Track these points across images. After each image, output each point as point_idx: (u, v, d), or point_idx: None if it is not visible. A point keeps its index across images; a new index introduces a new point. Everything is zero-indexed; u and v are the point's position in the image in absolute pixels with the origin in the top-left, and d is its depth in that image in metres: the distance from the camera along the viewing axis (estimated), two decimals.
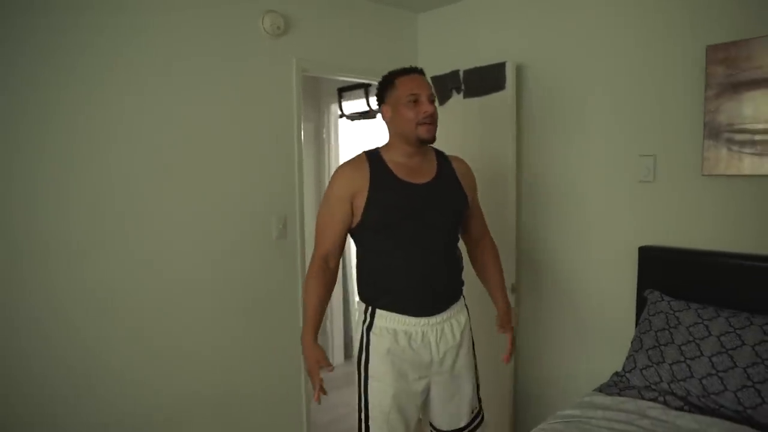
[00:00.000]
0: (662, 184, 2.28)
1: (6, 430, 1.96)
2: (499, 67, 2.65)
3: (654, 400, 1.89)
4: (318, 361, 1.77)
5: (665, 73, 2.24)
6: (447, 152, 2.01)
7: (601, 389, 2.06)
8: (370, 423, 1.79)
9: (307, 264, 1.93)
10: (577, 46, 2.54)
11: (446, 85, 2.92)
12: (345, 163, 1.87)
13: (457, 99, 2.89)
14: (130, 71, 2.20)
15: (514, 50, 2.74)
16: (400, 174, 1.79)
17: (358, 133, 4.58)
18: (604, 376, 2.21)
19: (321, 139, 4.15)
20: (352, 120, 4.29)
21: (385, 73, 1.85)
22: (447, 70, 2.92)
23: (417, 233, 1.78)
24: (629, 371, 2.08)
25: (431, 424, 1.96)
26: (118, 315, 2.21)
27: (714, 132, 2.08)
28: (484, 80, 2.72)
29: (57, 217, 2.06)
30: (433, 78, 2.98)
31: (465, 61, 2.87)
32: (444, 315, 1.84)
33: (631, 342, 2.17)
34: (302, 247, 2.76)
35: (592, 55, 2.49)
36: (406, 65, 1.86)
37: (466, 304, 1.99)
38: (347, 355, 4.42)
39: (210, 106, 2.43)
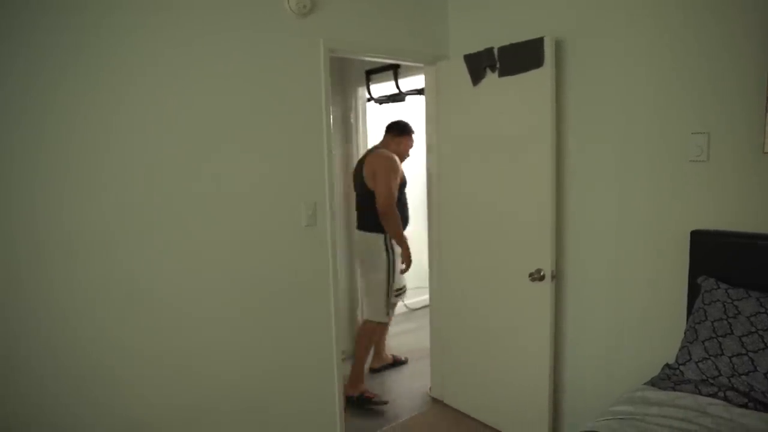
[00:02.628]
0: (717, 163, 2.12)
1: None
2: (537, 43, 2.50)
3: (713, 395, 1.76)
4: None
5: (724, 41, 2.06)
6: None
7: (653, 383, 1.93)
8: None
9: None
10: (620, 17, 2.37)
11: (480, 64, 2.78)
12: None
13: (491, 78, 2.75)
14: (151, 52, 2.11)
15: (553, 25, 2.58)
16: None
17: (387, 117, 4.46)
18: (653, 368, 2.09)
19: (348, 124, 4.05)
20: (381, 104, 4.18)
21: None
22: (479, 48, 2.78)
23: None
24: (683, 364, 1.95)
25: None
26: (143, 307, 2.16)
27: None
28: (521, 57, 2.58)
29: (80, 208, 2.00)
30: (466, 57, 2.86)
31: (499, 38, 2.72)
32: None
33: (685, 332, 2.03)
34: (333, 234, 2.67)
35: (636, 26, 2.32)
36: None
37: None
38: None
39: (234, 89, 2.33)
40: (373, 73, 3.84)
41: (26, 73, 1.86)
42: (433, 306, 3.38)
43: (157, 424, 2.21)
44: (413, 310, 5.15)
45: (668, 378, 1.95)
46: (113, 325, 2.09)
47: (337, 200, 3.57)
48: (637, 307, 2.42)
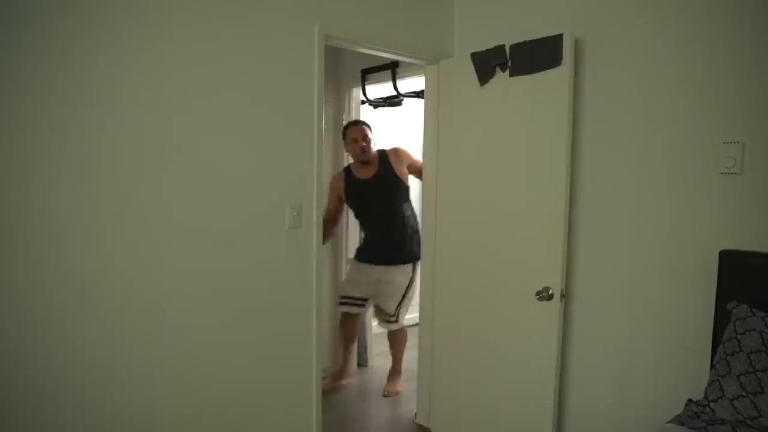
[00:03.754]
0: (752, 175, 1.91)
1: None
2: (555, 41, 2.29)
3: None
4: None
5: (760, 41, 1.87)
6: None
7: (681, 421, 1.68)
8: None
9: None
10: (645, 14, 2.18)
11: (489, 63, 2.56)
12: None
13: (501, 78, 2.53)
14: (129, 38, 1.88)
15: (571, 21, 2.37)
16: (358, 176, 3.48)
17: (382, 122, 4.24)
18: (669, 400, 1.85)
19: (341, 126, 3.80)
20: (376, 107, 3.95)
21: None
22: (485, 47, 2.56)
23: (371, 208, 3.54)
24: (714, 401, 1.70)
25: None
26: (115, 307, 1.92)
27: None
28: (536, 55, 2.36)
29: (49, 203, 1.78)
30: (474, 55, 2.64)
31: (511, 34, 2.51)
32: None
33: (714, 365, 1.79)
34: (318, 238, 2.42)
35: (662, 23, 2.13)
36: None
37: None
38: (359, 362, 4.07)
39: (217, 76, 2.09)
40: (369, 73, 3.61)
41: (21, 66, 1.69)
42: (423, 324, 3.10)
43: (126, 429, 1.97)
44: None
45: (697, 416, 1.70)
46: (83, 327, 1.86)
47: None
48: (653, 333, 2.18)
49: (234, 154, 2.16)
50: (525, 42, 2.40)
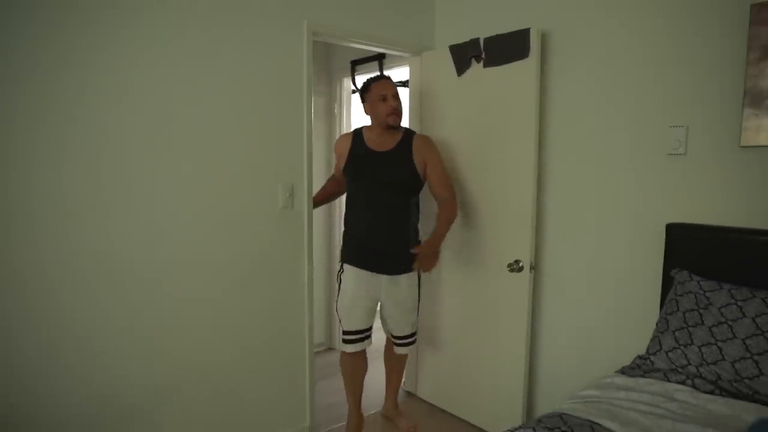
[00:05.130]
0: (695, 156, 2.13)
1: None
2: (523, 34, 2.50)
3: (681, 383, 1.76)
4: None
5: (702, 37, 2.08)
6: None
7: (624, 371, 1.92)
8: None
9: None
10: (602, 12, 2.39)
11: (465, 54, 2.78)
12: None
13: (476, 69, 2.75)
14: (126, 32, 2.08)
15: (539, 16, 2.59)
16: (370, 144, 2.65)
17: None
18: (627, 359, 2.08)
19: (332, 115, 4.02)
20: None
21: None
22: (464, 39, 2.78)
23: (371, 188, 2.61)
24: (654, 354, 1.94)
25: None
26: (114, 284, 2.12)
27: (756, 99, 1.92)
28: (507, 48, 2.58)
29: (51, 183, 1.96)
30: (452, 47, 2.85)
31: (486, 28, 2.73)
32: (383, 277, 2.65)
33: (656, 323, 2.03)
34: (309, 217, 2.64)
35: (617, 20, 2.34)
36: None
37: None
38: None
39: (213, 68, 2.31)
40: (358, 64, 3.82)
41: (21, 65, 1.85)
42: None
43: (125, 399, 2.18)
44: None
45: (638, 367, 1.94)
46: (84, 298, 2.05)
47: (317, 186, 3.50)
48: (613, 299, 2.42)
49: (230, 141, 2.38)
50: (497, 36, 2.61)
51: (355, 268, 2.64)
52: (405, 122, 3.28)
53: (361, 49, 3.15)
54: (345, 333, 2.69)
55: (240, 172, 2.42)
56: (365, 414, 3.02)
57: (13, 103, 1.85)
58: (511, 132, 2.61)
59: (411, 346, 2.81)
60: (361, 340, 2.70)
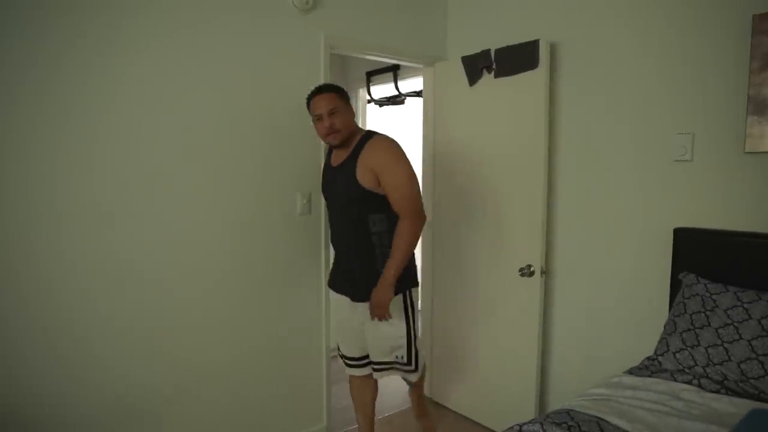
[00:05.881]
0: (700, 163, 2.19)
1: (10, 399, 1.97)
2: (532, 45, 2.58)
3: (688, 383, 1.81)
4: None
5: (706, 46, 2.14)
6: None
7: (631, 372, 1.97)
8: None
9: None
10: (612, 21, 2.46)
11: (477, 65, 2.86)
12: None
13: (487, 79, 2.83)
14: (153, 42, 2.19)
15: (548, 28, 2.67)
16: (332, 160, 2.35)
17: (387, 119, 4.57)
18: (637, 361, 2.13)
19: None
20: (381, 106, 4.26)
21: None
22: (478, 50, 2.86)
23: (333, 206, 2.37)
24: (661, 355, 1.99)
25: None
26: (136, 285, 2.21)
27: (759, 107, 1.98)
28: (517, 59, 2.66)
29: (78, 188, 2.06)
30: (464, 58, 2.94)
31: (497, 39, 2.81)
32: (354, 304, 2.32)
33: (664, 325, 2.08)
34: (326, 222, 2.73)
35: (627, 29, 2.40)
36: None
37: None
38: None
39: (235, 79, 2.42)
40: (373, 75, 3.93)
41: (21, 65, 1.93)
42: (423, 306, 3.41)
43: (139, 403, 2.25)
44: None
45: (646, 368, 1.99)
46: (100, 300, 2.13)
47: None
48: (622, 302, 2.47)
49: (250, 149, 2.48)
50: (507, 47, 2.69)
51: (332, 293, 2.46)
52: (419, 132, 3.39)
53: (377, 61, 3.25)
54: (342, 357, 2.52)
55: (260, 179, 2.52)
56: (378, 417, 3.08)
57: (10, 103, 1.90)
58: (521, 140, 2.68)
59: (387, 372, 2.38)
60: (360, 366, 2.46)
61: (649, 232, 2.36)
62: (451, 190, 3.14)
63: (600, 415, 1.60)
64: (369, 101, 4.17)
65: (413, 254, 2.29)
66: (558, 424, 1.54)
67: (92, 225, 2.09)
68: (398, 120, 4.79)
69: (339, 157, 2.28)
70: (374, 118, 4.35)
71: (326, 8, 2.68)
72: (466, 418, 3.09)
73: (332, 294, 2.47)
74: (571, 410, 1.65)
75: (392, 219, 2.19)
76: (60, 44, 1.97)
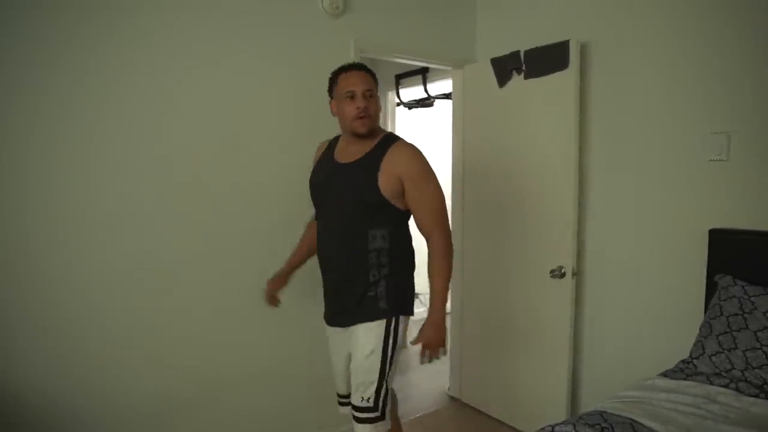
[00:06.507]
0: (737, 162, 2.14)
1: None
2: (562, 46, 2.57)
3: (725, 386, 1.77)
4: (272, 282, 2.21)
5: (742, 45, 2.10)
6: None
7: (666, 374, 1.95)
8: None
9: None
10: (641, 22, 2.43)
11: (506, 66, 2.86)
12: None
13: (517, 80, 2.83)
14: (186, 47, 2.25)
15: (578, 28, 2.65)
16: (337, 156, 1.99)
17: (416, 122, 4.59)
18: (671, 365, 2.10)
19: None
20: (410, 108, 4.29)
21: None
22: (505, 52, 2.86)
23: (327, 213, 1.97)
24: (696, 357, 1.96)
25: None
26: (156, 289, 2.24)
27: None
28: (546, 60, 2.65)
29: (78, 190, 2.07)
30: (493, 60, 2.94)
31: (526, 40, 2.80)
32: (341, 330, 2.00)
33: (700, 328, 2.04)
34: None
35: (659, 27, 2.37)
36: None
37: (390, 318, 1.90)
38: None
39: (264, 83, 2.46)
40: (402, 78, 3.96)
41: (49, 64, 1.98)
42: (453, 307, 3.41)
43: (153, 412, 2.26)
44: None
45: (681, 371, 1.96)
46: (100, 302, 2.14)
47: None
48: (655, 305, 2.43)
49: (277, 154, 2.52)
50: (537, 48, 2.69)
51: (325, 324, 2.09)
52: (448, 134, 3.40)
53: (406, 64, 3.27)
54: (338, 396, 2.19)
55: (283, 183, 2.53)
56: (410, 417, 3.10)
57: (9, 103, 1.91)
58: (551, 140, 2.67)
59: (369, 425, 1.92)
60: (347, 404, 2.08)
61: (683, 233, 2.32)
62: (481, 191, 3.14)
63: (633, 417, 1.59)
64: (398, 104, 4.20)
65: (413, 276, 2.00)
66: (591, 426, 1.53)
67: (95, 228, 2.10)
68: (427, 122, 4.81)
69: (350, 153, 1.93)
70: (403, 121, 4.37)
71: (356, 12, 2.71)
72: (497, 420, 3.07)
73: (325, 327, 2.10)
74: (603, 412, 1.63)
75: (394, 236, 1.89)
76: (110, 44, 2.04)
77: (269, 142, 2.50)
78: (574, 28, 2.66)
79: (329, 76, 1.99)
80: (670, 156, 2.35)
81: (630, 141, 2.50)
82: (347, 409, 2.06)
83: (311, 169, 2.08)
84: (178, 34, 2.22)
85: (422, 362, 1.92)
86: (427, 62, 3.16)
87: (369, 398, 1.89)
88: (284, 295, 2.27)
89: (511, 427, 2.98)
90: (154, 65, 2.18)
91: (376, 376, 1.89)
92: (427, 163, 1.91)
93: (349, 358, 1.98)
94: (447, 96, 3.90)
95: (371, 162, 1.86)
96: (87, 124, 2.06)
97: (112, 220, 2.13)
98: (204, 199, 2.34)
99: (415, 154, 1.89)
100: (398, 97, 4.12)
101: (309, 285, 2.33)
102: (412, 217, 1.94)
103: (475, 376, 3.25)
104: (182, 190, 2.29)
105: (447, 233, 1.92)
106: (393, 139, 1.94)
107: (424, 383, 3.69)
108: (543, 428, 1.58)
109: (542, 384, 2.78)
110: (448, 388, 3.49)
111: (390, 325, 1.90)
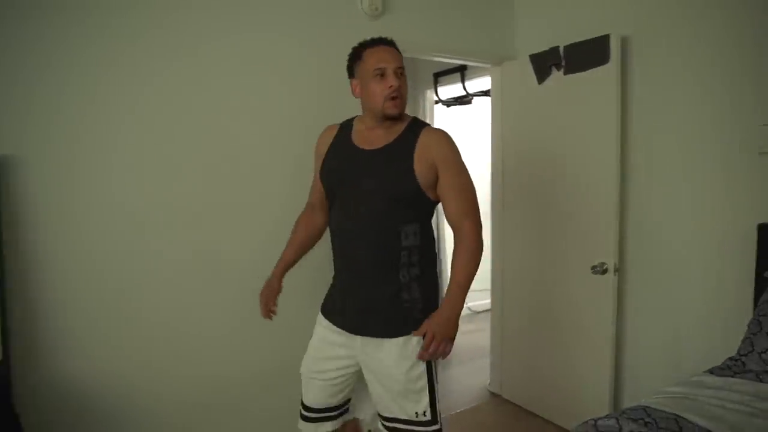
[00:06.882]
0: None
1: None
2: (603, 41, 2.55)
3: None
4: (266, 293, 1.97)
5: None
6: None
7: (712, 371, 1.92)
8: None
9: None
10: (685, 13, 2.39)
11: (545, 62, 2.85)
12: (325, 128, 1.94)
13: (556, 76, 2.82)
14: (225, 49, 2.32)
15: (618, 21, 2.62)
16: (357, 141, 1.78)
17: (455, 119, 4.60)
18: (716, 362, 2.06)
19: None
20: (448, 106, 4.31)
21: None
22: (543, 48, 2.85)
23: (349, 204, 1.73)
24: (745, 355, 1.92)
25: None
26: (181, 288, 2.29)
27: None
28: (586, 55, 2.63)
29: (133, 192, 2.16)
30: (532, 56, 2.93)
31: (565, 35, 2.79)
32: (363, 341, 1.75)
33: (748, 325, 2.00)
34: None
35: (702, 20, 2.33)
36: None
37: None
38: None
39: (305, 85, 2.52)
40: (440, 76, 3.98)
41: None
42: (494, 303, 3.42)
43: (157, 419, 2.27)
44: (476, 313, 5.18)
45: (728, 368, 1.92)
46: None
47: None
48: (701, 301, 2.39)
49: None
50: (576, 43, 2.67)
51: (324, 321, 1.86)
52: (487, 131, 3.40)
53: (444, 62, 3.29)
54: (301, 404, 1.92)
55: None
56: (450, 413, 3.13)
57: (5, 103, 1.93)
58: (592, 135, 2.65)
59: None
60: (319, 420, 1.88)
61: (730, 228, 2.27)
62: (521, 187, 3.13)
63: (678, 413, 1.58)
64: (436, 102, 4.23)
65: (438, 277, 1.83)
66: (634, 420, 1.54)
67: (96, 229, 2.12)
68: (465, 119, 4.82)
69: (373, 138, 1.74)
70: (441, 119, 4.39)
71: (395, 13, 2.76)
72: (538, 416, 3.07)
73: (318, 325, 1.89)
74: (647, 407, 1.63)
75: (425, 232, 1.74)
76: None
77: (307, 144, 2.54)
78: (613, 21, 2.63)
79: (349, 52, 1.81)
80: (717, 148, 2.31)
81: (673, 134, 2.46)
82: (314, 427, 1.88)
83: (317, 155, 1.89)
84: (220, 37, 2.31)
85: (422, 357, 1.68)
86: (465, 60, 3.17)
87: (425, 412, 1.72)
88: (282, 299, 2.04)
89: (552, 423, 2.97)
90: (201, 72, 2.28)
91: (426, 389, 1.72)
92: (457, 147, 1.75)
93: (351, 368, 1.80)
94: (485, 93, 3.91)
95: (404, 148, 1.69)
96: (108, 125, 2.11)
97: (112, 221, 2.14)
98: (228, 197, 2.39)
99: (449, 138, 1.74)
100: (436, 94, 4.15)
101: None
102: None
103: (517, 372, 3.25)
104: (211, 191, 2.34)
105: (479, 223, 1.73)
106: (422, 123, 1.79)
107: (465, 379, 3.70)
108: (586, 422, 1.59)
109: (584, 381, 2.76)
110: (489, 384, 3.50)
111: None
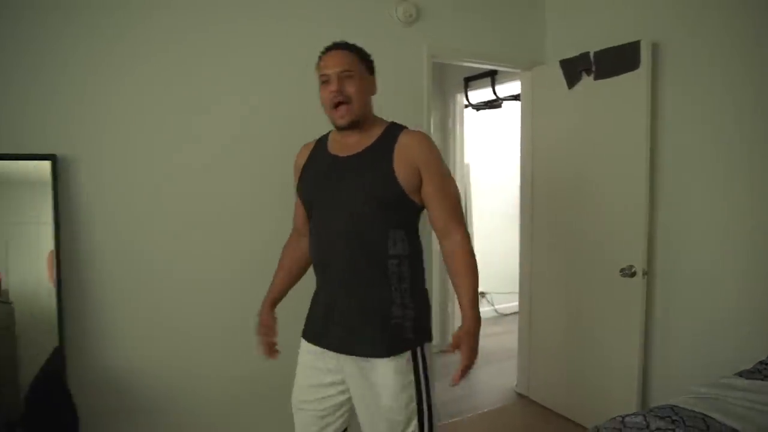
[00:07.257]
0: None
1: None
2: (633, 47, 2.58)
3: None
4: (262, 331, 1.83)
5: None
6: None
7: (742, 374, 1.94)
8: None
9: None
10: (718, 18, 2.41)
11: (576, 68, 2.89)
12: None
13: (586, 81, 2.85)
14: (265, 55, 2.43)
15: (648, 27, 2.65)
16: (333, 149, 1.70)
17: (484, 123, 4.66)
18: (746, 365, 2.08)
19: (447, 129, 4.26)
20: (478, 110, 4.36)
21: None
22: (573, 53, 2.89)
23: (330, 212, 1.63)
24: None
25: None
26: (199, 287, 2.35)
27: None
28: (616, 60, 2.67)
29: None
30: (562, 62, 2.98)
31: (595, 41, 2.82)
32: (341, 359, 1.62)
33: None
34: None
35: (736, 25, 2.34)
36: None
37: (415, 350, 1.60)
38: None
39: None
40: (471, 80, 4.04)
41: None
42: (522, 305, 3.46)
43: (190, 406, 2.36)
44: (503, 315, 5.22)
45: (759, 371, 1.94)
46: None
47: None
48: (730, 304, 2.40)
49: None
50: (607, 48, 2.71)
51: (307, 345, 1.72)
52: (517, 136, 3.45)
53: (475, 67, 3.35)
54: None
55: None
56: (476, 413, 3.18)
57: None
58: (622, 139, 2.68)
59: None
60: None
61: (761, 232, 2.28)
62: (550, 190, 3.17)
63: (706, 413, 1.61)
64: (466, 106, 4.28)
65: (428, 297, 1.73)
66: (661, 418, 1.58)
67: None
68: (495, 123, 4.86)
69: (349, 145, 1.66)
70: (471, 122, 4.44)
71: (428, 20, 2.83)
72: (565, 418, 3.10)
73: (302, 352, 1.74)
74: (675, 406, 1.67)
75: (412, 239, 1.64)
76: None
77: None
78: (643, 27, 2.66)
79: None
80: (749, 150, 2.32)
81: (703, 139, 2.48)
82: None
83: (296, 173, 1.80)
84: (247, 45, 2.41)
85: (454, 384, 1.60)
86: (496, 65, 3.23)
87: None
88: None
89: (579, 425, 3.00)
90: (234, 78, 2.39)
91: (414, 415, 1.58)
92: (438, 149, 1.69)
93: (342, 395, 1.67)
94: (515, 97, 3.95)
95: (382, 150, 1.61)
96: (132, 125, 2.20)
97: (114, 220, 2.21)
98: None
99: (429, 140, 1.66)
100: (467, 98, 4.20)
101: None
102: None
103: (544, 373, 3.28)
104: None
105: (466, 229, 1.66)
106: (400, 126, 1.69)
107: (491, 379, 3.75)
108: (614, 418, 1.64)
109: (612, 383, 2.79)
110: (516, 385, 3.53)
111: (417, 358, 1.60)
